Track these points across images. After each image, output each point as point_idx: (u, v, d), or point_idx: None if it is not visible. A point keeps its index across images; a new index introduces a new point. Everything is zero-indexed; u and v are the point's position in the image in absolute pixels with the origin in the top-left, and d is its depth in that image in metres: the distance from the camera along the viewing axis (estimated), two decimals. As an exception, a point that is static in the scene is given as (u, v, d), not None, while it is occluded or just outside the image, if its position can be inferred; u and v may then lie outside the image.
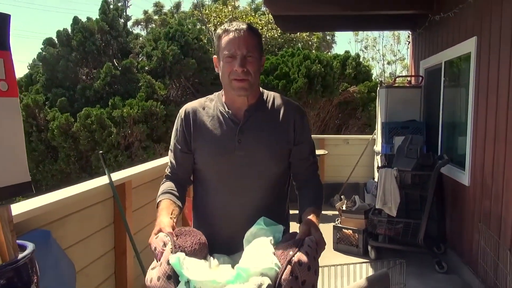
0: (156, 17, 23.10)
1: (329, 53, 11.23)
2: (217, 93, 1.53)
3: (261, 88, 1.50)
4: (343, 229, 4.04)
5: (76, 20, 10.10)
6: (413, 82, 5.32)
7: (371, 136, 5.81)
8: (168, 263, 1.14)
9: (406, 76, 6.64)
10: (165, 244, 1.20)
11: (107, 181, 2.30)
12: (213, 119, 1.45)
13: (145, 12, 24.14)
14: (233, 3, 15.68)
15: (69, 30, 10.06)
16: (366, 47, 16.75)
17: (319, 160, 5.74)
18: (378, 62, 16.68)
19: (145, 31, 22.67)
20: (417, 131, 4.45)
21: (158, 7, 23.88)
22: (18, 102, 1.16)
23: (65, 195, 1.89)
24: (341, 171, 5.66)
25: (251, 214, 1.40)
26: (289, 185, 1.55)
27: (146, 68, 9.90)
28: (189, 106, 1.50)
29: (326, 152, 5.81)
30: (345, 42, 26.27)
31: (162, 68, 9.82)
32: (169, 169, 1.54)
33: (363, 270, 2.39)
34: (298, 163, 1.50)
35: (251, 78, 1.37)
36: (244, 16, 14.17)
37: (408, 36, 5.75)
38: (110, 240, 2.45)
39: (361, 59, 10.19)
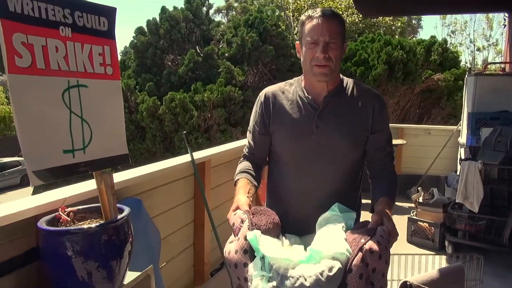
0: (236, 4, 23.57)
1: (413, 39, 10.59)
2: (296, 78, 1.55)
3: (341, 75, 1.50)
4: (419, 222, 3.90)
5: (163, 9, 10.75)
6: (507, 69, 4.87)
7: (455, 127, 5.45)
8: (245, 239, 1.22)
9: (499, 62, 6.07)
10: (242, 221, 1.28)
11: (189, 159, 2.49)
12: (292, 103, 1.47)
13: (227, 0, 24.75)
14: (313, -12, 15.39)
15: (158, 19, 10.75)
16: (453, 32, 15.41)
17: (396, 150, 5.52)
18: (467, 48, 15.27)
19: (226, 18, 23.28)
20: (509, 123, 4.08)
21: (239, -6, 24.32)
22: (120, 84, 1.35)
23: (154, 169, 2.10)
24: (420, 162, 5.39)
25: (324, 198, 1.43)
26: (362, 173, 1.55)
27: (226, 54, 10.24)
28: (269, 89, 1.54)
29: (405, 142, 5.57)
30: (430, 26, 24.21)
31: (241, 54, 10.10)
32: (247, 149, 1.61)
33: (435, 262, 2.32)
34: (373, 152, 1.49)
35: (332, 64, 1.38)
36: (323, 1, 13.87)
37: (504, 19, 5.24)
38: (190, 213, 2.64)
39: (448, 45, 9.47)
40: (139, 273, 1.52)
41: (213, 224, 2.66)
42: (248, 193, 1.42)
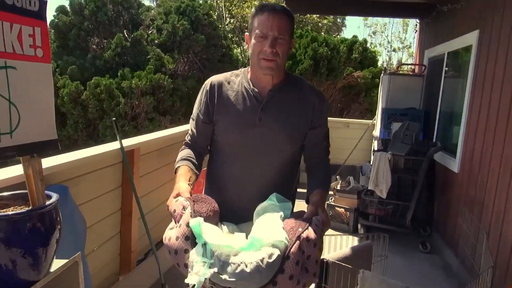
0: (167, -11, 22.83)
1: (337, 37, 11.20)
2: (243, 69, 1.56)
3: (287, 71, 1.55)
4: (336, 207, 4.24)
5: (88, -12, 10.11)
6: (416, 70, 5.41)
7: (371, 121, 5.93)
8: (187, 226, 1.22)
9: (410, 64, 6.70)
10: (184, 208, 1.28)
11: (118, 146, 2.45)
12: (237, 94, 1.49)
13: (157, -16, 23.85)
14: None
15: (82, -2, 10.10)
16: (374, 33, 16.60)
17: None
18: (385, 49, 16.56)
19: (155, 2, 22.45)
20: (415, 119, 4.57)
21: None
22: (50, 67, 1.32)
23: (81, 155, 2.05)
24: (339, 153, 5.78)
25: (263, 189, 1.49)
26: (299, 165, 1.63)
27: (156, 41, 9.95)
28: (214, 79, 1.53)
29: (327, 134, 5.94)
30: (354, 26, 25.69)
31: (171, 42, 9.88)
32: (189, 137, 1.61)
33: (349, 242, 2.59)
34: (312, 146, 1.56)
35: (279, 59, 1.41)
36: (255, -6, 14.01)
37: (416, 25, 5.80)
38: (117, 201, 2.60)
39: (368, 45, 10.18)
40: (67, 260, 1.50)
41: (142, 212, 2.65)
42: (189, 181, 1.43)
